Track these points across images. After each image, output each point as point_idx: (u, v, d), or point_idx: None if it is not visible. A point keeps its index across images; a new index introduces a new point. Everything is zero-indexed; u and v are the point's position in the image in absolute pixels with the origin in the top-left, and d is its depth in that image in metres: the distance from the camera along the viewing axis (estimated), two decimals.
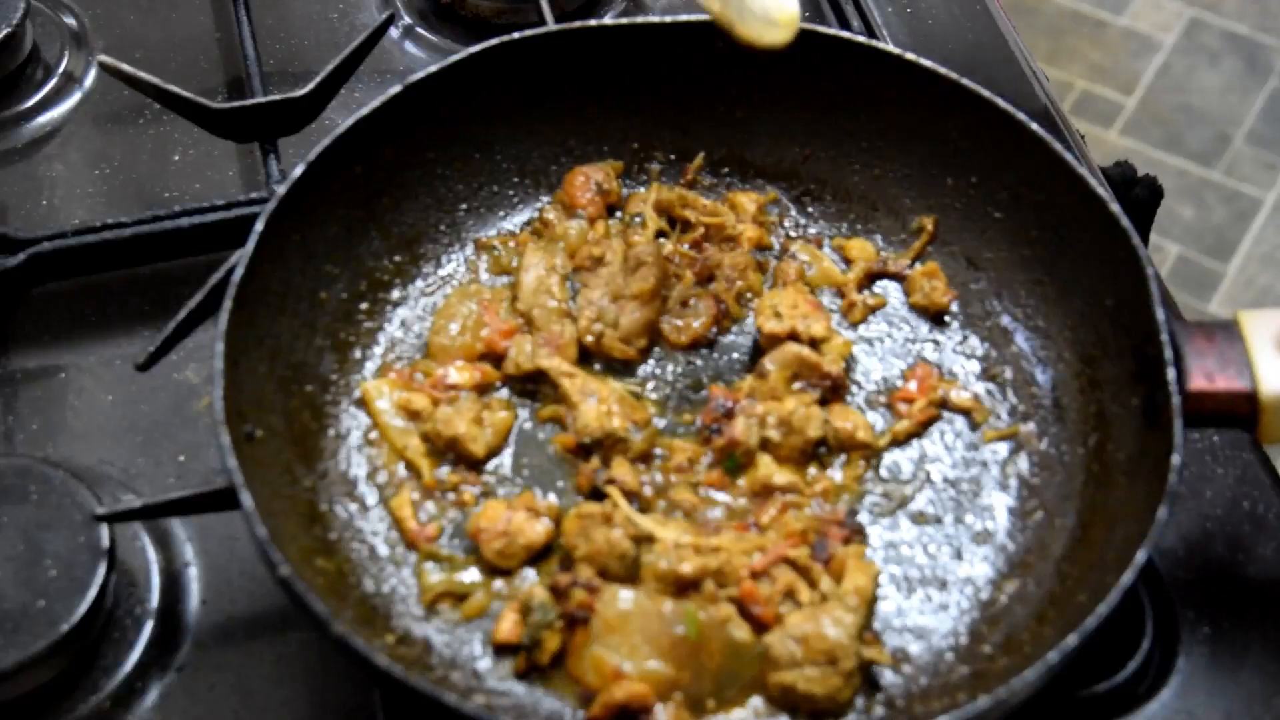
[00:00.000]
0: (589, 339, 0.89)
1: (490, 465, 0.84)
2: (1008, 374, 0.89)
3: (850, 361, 0.89)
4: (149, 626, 0.82)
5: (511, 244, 0.94)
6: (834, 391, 0.87)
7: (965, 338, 0.91)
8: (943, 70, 0.90)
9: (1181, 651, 0.82)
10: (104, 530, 0.79)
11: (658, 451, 0.85)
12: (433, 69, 0.89)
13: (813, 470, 0.85)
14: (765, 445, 0.84)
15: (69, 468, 0.82)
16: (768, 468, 0.83)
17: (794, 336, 0.88)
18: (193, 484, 0.78)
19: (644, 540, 0.78)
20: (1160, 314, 0.78)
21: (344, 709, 0.80)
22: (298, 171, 0.84)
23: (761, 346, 0.89)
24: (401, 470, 0.84)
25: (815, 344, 0.88)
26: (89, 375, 0.93)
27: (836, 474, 0.84)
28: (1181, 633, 0.82)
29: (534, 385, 0.87)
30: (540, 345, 0.87)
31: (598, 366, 0.89)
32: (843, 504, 0.83)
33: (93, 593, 0.77)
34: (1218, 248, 2.51)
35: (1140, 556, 0.70)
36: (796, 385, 0.87)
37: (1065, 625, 0.72)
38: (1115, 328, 0.83)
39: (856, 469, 0.85)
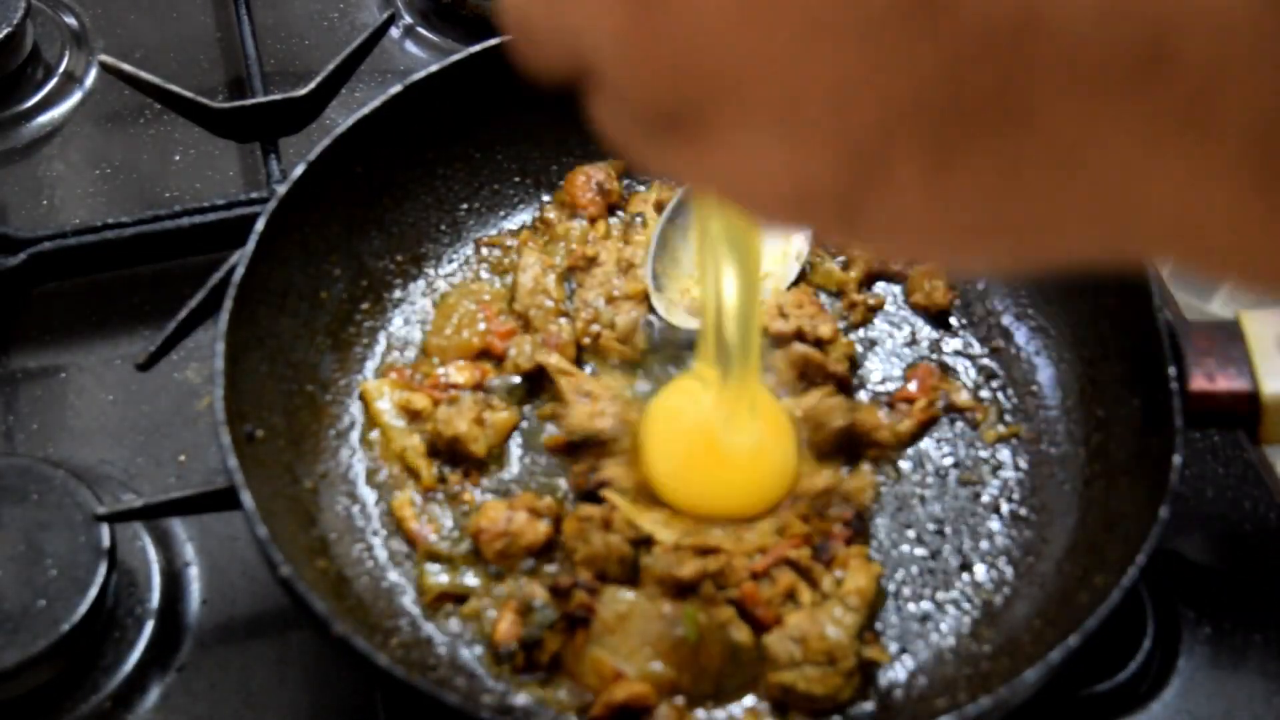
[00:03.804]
0: (586, 340, 0.89)
1: (490, 465, 0.84)
2: (1008, 374, 0.89)
3: (851, 362, 0.89)
4: (149, 626, 0.82)
5: (512, 244, 0.94)
6: (840, 392, 0.87)
7: (966, 338, 0.91)
8: None
9: (1183, 651, 0.82)
10: (104, 530, 0.79)
11: None
12: (433, 69, 0.89)
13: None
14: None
15: (69, 468, 0.82)
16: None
17: (800, 336, 0.88)
18: (193, 484, 0.78)
19: (644, 542, 0.78)
20: (1161, 314, 0.78)
21: (344, 709, 0.80)
22: (298, 171, 0.84)
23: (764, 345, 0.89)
24: (401, 470, 0.84)
25: (821, 344, 0.88)
26: (89, 375, 0.93)
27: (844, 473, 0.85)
28: (1183, 633, 0.82)
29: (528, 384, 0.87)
30: (539, 345, 0.88)
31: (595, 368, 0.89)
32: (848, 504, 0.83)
33: (93, 593, 0.77)
34: None
35: (1141, 556, 0.70)
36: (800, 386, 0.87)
37: (1066, 625, 0.72)
38: (1116, 327, 0.84)
39: (861, 469, 0.85)
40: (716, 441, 0.80)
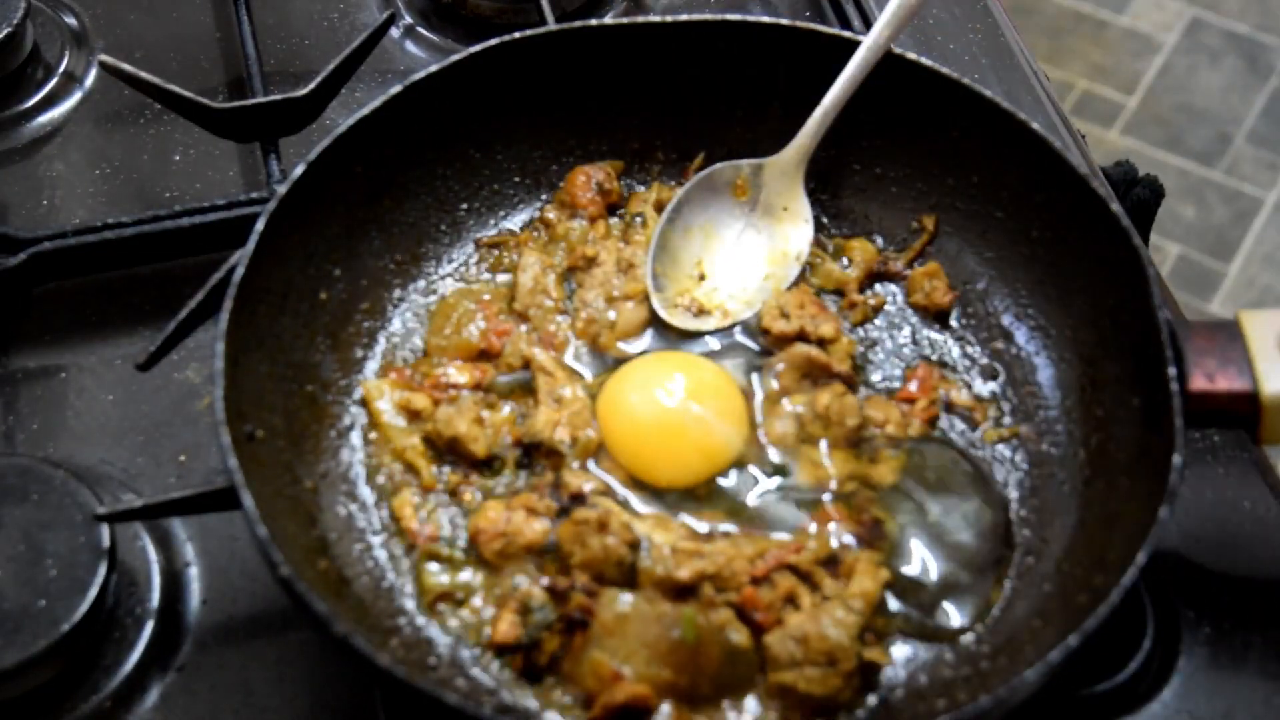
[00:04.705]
0: (586, 339, 0.89)
1: (490, 465, 0.84)
2: (1008, 374, 0.89)
3: (854, 360, 0.89)
4: (149, 626, 0.82)
5: (512, 243, 0.94)
6: (849, 391, 0.87)
7: (966, 338, 0.91)
8: (944, 70, 0.90)
9: (1182, 651, 0.82)
10: (104, 530, 0.79)
11: None
12: (433, 69, 0.89)
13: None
14: (809, 439, 0.84)
15: (69, 468, 0.82)
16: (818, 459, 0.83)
17: (802, 337, 0.88)
18: (193, 484, 0.78)
19: (640, 544, 0.78)
20: (1161, 314, 0.78)
21: (344, 709, 0.80)
22: (298, 171, 0.84)
23: (767, 347, 0.89)
24: (401, 470, 0.84)
25: (823, 344, 0.88)
26: (89, 375, 0.93)
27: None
28: (1182, 633, 0.82)
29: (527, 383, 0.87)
30: (535, 344, 0.88)
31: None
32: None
33: (93, 593, 0.77)
34: (1219, 247, 2.51)
35: (1141, 556, 0.70)
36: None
37: (1066, 625, 0.72)
38: (1116, 327, 0.83)
39: (883, 454, 0.85)
40: (661, 406, 0.84)
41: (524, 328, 0.89)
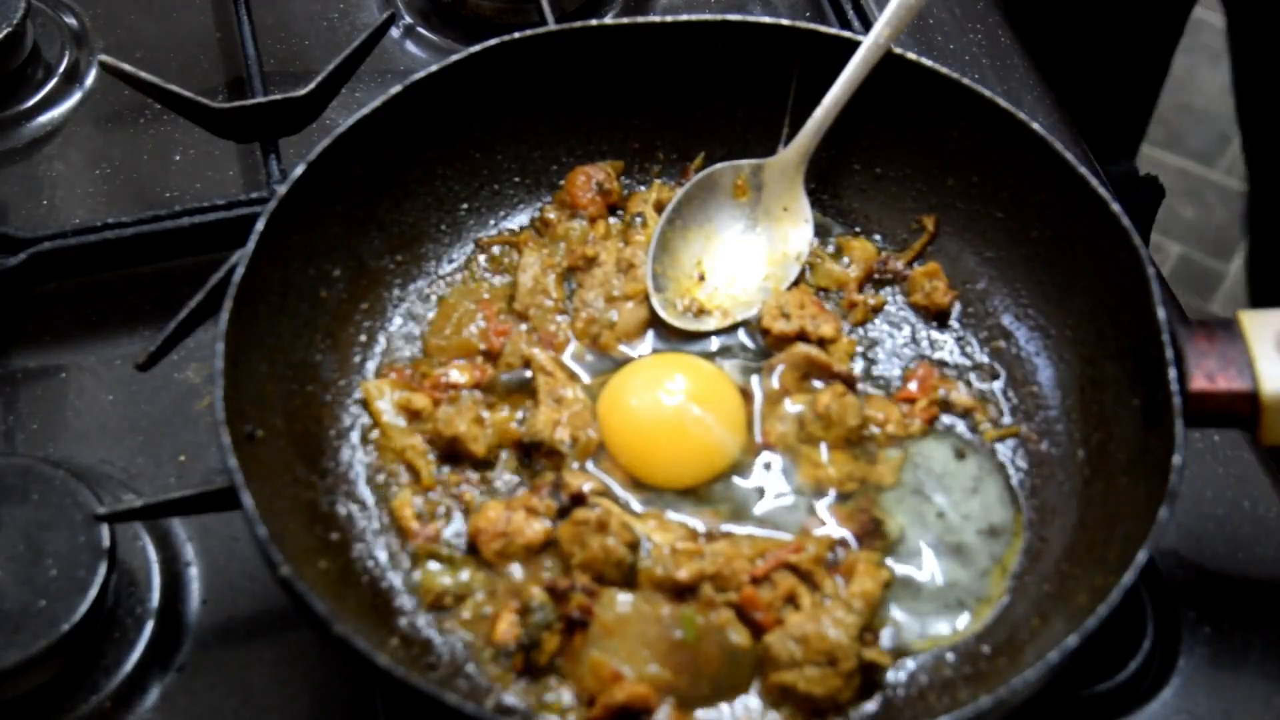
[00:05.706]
0: (586, 340, 0.89)
1: (490, 465, 0.84)
2: (1008, 374, 0.89)
3: (852, 361, 0.89)
4: (149, 626, 0.82)
5: (512, 243, 0.94)
6: (849, 391, 0.87)
7: (966, 338, 0.91)
8: (944, 70, 0.90)
9: (1182, 651, 0.82)
10: (104, 530, 0.79)
11: None
12: (433, 69, 0.89)
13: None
14: (809, 439, 0.84)
15: (69, 468, 0.82)
16: (817, 461, 0.83)
17: (802, 337, 0.88)
18: (193, 484, 0.78)
19: (640, 544, 0.79)
20: (1161, 314, 0.78)
21: (344, 709, 0.80)
22: (298, 171, 0.84)
23: (767, 347, 0.89)
24: (401, 470, 0.84)
25: (823, 344, 0.88)
26: (89, 375, 0.93)
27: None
28: (1182, 633, 0.83)
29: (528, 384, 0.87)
30: (536, 344, 0.88)
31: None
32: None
33: (93, 593, 0.77)
34: (1219, 247, 2.51)
35: (1141, 556, 0.70)
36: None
37: (1066, 625, 0.72)
38: (1116, 327, 0.83)
39: (880, 454, 0.85)
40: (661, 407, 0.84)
41: (524, 327, 0.89)
